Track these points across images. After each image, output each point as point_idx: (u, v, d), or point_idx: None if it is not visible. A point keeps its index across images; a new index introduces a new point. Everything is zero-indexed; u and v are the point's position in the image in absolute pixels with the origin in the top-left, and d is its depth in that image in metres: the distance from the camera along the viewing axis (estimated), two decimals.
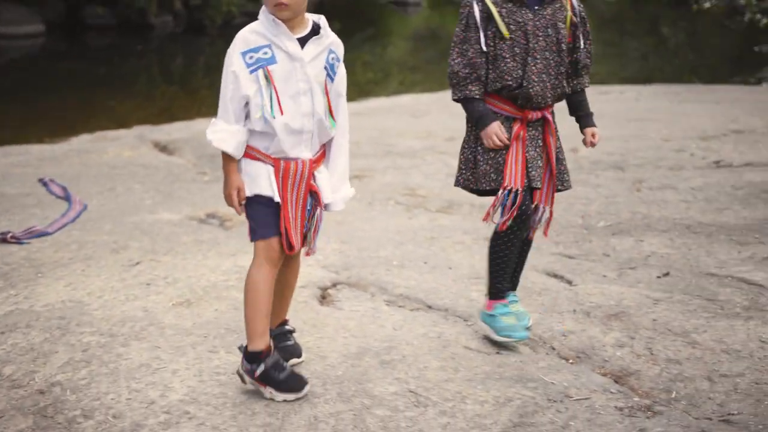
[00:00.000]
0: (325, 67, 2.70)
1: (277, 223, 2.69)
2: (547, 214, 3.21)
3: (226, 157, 2.66)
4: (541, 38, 2.98)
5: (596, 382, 2.82)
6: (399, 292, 3.65)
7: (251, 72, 2.61)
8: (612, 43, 19.44)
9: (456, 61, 2.99)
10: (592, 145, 3.24)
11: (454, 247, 4.36)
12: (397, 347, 3.02)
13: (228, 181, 2.67)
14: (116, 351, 2.91)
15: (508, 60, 2.97)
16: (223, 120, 2.64)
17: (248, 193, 2.67)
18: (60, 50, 14.08)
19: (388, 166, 6.06)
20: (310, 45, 2.66)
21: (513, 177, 3.02)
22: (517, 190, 3.01)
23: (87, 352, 2.89)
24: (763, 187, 5.20)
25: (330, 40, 2.72)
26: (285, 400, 2.60)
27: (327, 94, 2.71)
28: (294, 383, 2.63)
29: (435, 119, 7.95)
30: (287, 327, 2.95)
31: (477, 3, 2.96)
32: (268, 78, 2.61)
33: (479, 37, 2.96)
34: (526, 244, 3.25)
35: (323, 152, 2.80)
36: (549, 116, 3.09)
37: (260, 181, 2.68)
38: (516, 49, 2.96)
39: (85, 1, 14.85)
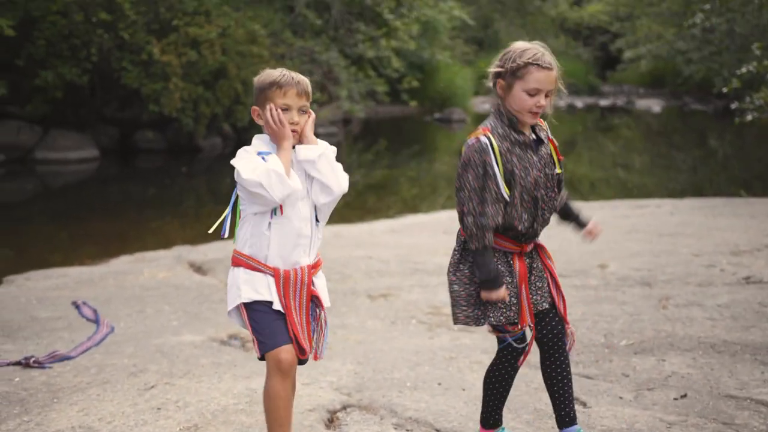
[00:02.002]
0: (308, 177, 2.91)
1: (283, 330, 2.79)
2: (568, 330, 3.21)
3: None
4: (542, 179, 3.03)
5: None
6: (408, 414, 3.63)
7: None
8: (660, 155, 19.48)
9: (477, 210, 2.91)
10: (594, 234, 3.19)
11: (470, 368, 4.33)
12: None
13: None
14: None
15: (519, 206, 2.99)
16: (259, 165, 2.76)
17: (247, 299, 2.78)
18: (112, 174, 14.60)
19: (414, 284, 6.09)
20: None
21: (526, 315, 3.07)
22: (529, 325, 3.09)
23: None
24: None
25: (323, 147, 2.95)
26: None
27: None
28: None
29: None
30: None
31: (491, 150, 2.92)
32: None
33: (499, 184, 2.92)
34: (564, 364, 3.19)
35: (319, 259, 2.93)
36: (539, 241, 3.16)
37: (260, 288, 2.81)
38: (525, 195, 2.99)
39: (137, 126, 15.44)
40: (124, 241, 9.57)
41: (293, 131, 2.84)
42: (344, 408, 3.71)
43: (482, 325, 3.05)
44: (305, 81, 2.90)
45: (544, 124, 3.12)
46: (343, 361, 4.37)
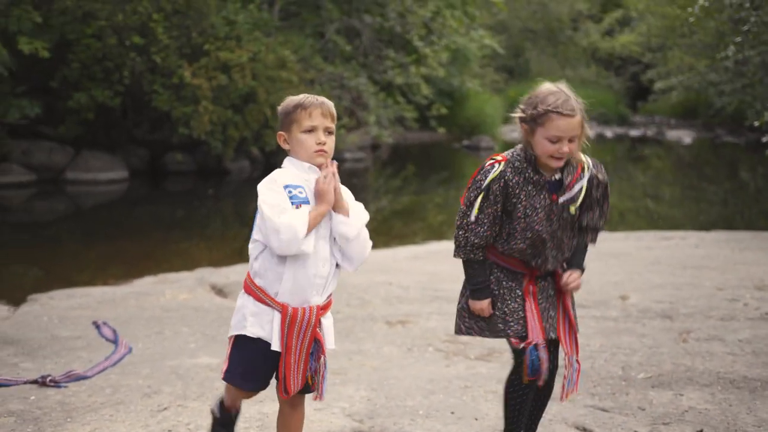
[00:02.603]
0: None
1: (258, 378, 2.82)
2: (575, 365, 3.20)
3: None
4: (555, 221, 3.01)
5: None
6: None
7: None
8: (691, 187, 19.35)
9: (470, 227, 2.98)
10: (570, 286, 3.12)
11: (485, 397, 4.30)
12: None
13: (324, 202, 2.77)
14: None
15: (519, 241, 3.01)
16: (284, 213, 2.71)
17: (251, 334, 2.75)
18: (141, 195, 14.75)
19: (433, 312, 6.07)
20: None
21: (534, 331, 3.05)
22: (539, 343, 3.06)
23: None
24: None
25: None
26: None
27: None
28: None
29: None
30: None
31: (499, 178, 2.97)
32: None
33: (497, 211, 2.98)
34: (545, 393, 3.23)
35: (330, 300, 2.89)
36: (558, 269, 3.14)
37: (264, 324, 2.77)
38: (528, 233, 2.99)
39: (167, 148, 15.61)
40: (150, 262, 9.64)
41: (322, 151, 2.82)
42: None
43: (486, 336, 3.10)
44: (329, 102, 2.89)
45: (582, 163, 3.06)
46: (357, 387, 4.36)
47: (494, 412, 4.07)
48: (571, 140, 2.93)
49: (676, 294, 6.29)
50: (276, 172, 2.84)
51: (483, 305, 3.04)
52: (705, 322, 5.54)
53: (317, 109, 2.81)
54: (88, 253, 10.36)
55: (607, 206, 3.14)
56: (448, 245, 10.18)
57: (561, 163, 2.97)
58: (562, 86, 2.99)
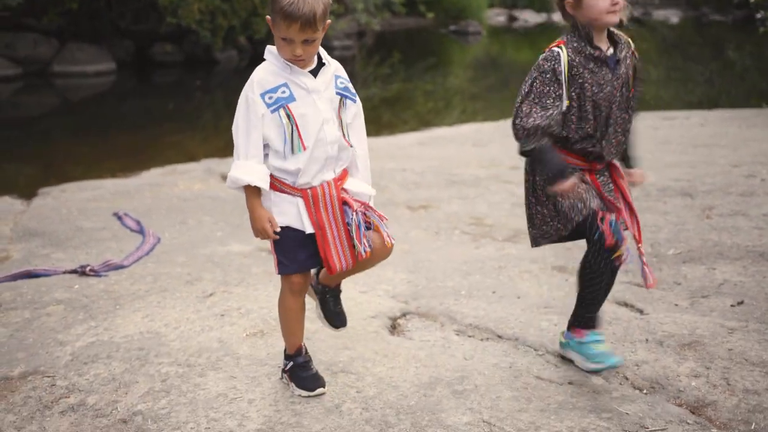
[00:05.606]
0: (338, 93, 2.78)
1: (302, 258, 2.79)
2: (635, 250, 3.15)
3: (250, 193, 2.73)
4: (618, 98, 2.97)
5: (672, 413, 2.79)
6: (468, 321, 3.66)
7: (272, 112, 2.68)
8: (676, 68, 19.23)
9: (538, 114, 2.88)
10: (640, 182, 3.19)
11: (521, 276, 4.36)
12: (469, 377, 3.03)
13: (256, 216, 2.74)
14: (194, 381, 2.98)
15: (591, 120, 2.95)
16: (248, 158, 2.70)
17: (278, 223, 2.74)
18: (130, 87, 14.48)
19: (453, 196, 6.08)
20: (320, 76, 2.75)
21: (609, 207, 3.03)
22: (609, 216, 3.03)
23: (166, 382, 2.97)
24: None
25: (334, 67, 2.80)
26: (300, 395, 2.88)
27: (340, 117, 2.79)
28: (309, 383, 2.89)
29: (498, 148, 7.97)
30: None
31: (561, 59, 2.90)
32: (290, 116, 2.68)
33: (562, 93, 2.90)
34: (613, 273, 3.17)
35: (345, 171, 2.85)
36: (613, 162, 3.11)
37: (290, 213, 2.76)
38: (596, 111, 2.94)
39: (154, 39, 15.24)
40: (145, 156, 9.55)
41: (299, 60, 2.67)
42: (404, 315, 3.75)
43: (565, 235, 3.02)
44: (313, 11, 2.60)
45: (627, 40, 3.03)
46: (395, 269, 4.39)
47: (534, 290, 4.14)
48: None
49: (693, 172, 6.33)
50: (257, 73, 2.71)
51: (569, 183, 2.88)
52: (725, 198, 5.59)
53: (295, 24, 2.59)
54: (82, 148, 10.24)
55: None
56: (450, 131, 10.17)
57: (617, 18, 2.91)
58: None
